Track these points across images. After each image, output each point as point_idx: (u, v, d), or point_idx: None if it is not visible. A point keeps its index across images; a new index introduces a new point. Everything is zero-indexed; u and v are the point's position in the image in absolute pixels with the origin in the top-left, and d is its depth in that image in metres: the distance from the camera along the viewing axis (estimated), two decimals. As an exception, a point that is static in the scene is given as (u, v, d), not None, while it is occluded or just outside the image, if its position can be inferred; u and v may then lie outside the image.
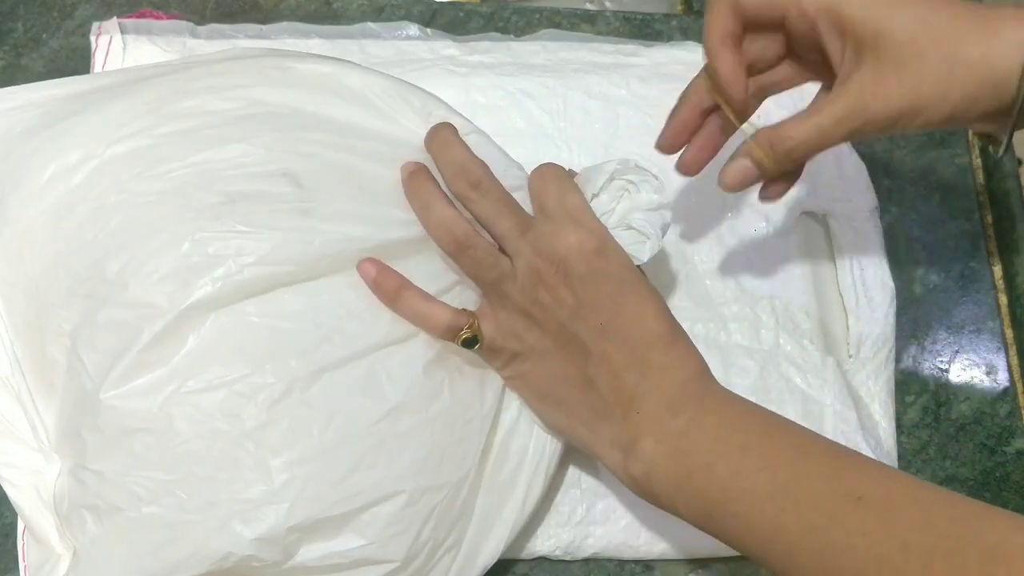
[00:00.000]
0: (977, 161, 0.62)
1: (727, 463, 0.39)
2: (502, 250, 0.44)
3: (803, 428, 0.41)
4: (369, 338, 0.42)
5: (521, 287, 0.43)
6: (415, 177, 0.44)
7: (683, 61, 0.60)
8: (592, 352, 0.42)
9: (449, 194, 0.44)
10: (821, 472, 0.38)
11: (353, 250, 0.43)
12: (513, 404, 0.46)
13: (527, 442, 0.45)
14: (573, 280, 0.42)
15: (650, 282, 0.45)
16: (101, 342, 0.40)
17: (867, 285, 0.55)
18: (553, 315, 0.43)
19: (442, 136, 0.45)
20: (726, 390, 0.43)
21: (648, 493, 0.42)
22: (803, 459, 0.39)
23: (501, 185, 0.44)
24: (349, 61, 0.50)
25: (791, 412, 0.51)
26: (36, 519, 0.43)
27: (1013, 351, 0.57)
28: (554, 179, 0.45)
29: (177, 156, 0.43)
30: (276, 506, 0.39)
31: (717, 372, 0.52)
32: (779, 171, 0.44)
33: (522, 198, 0.46)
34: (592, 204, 0.45)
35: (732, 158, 0.44)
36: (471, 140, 0.46)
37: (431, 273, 0.44)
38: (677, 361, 0.43)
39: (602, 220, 0.44)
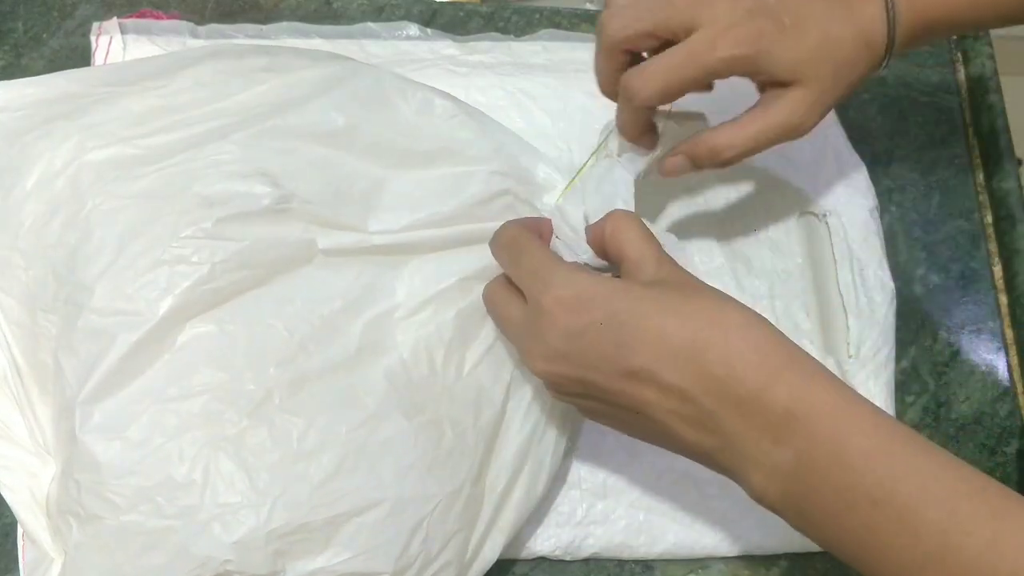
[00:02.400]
0: (977, 161, 0.62)
1: (856, 518, 0.34)
2: None
3: (943, 461, 0.34)
4: (342, 348, 0.42)
5: (543, 374, 0.40)
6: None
7: (683, 61, 0.60)
8: (640, 407, 0.38)
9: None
10: (976, 543, 0.32)
11: (330, 252, 0.43)
12: (517, 415, 0.45)
13: (527, 447, 0.45)
14: (573, 357, 0.38)
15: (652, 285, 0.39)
16: (80, 348, 0.40)
17: (867, 285, 0.55)
18: (581, 392, 0.39)
19: None
20: (827, 384, 0.36)
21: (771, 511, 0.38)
22: (951, 521, 0.32)
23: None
24: (344, 56, 0.50)
25: (791, 412, 0.51)
26: (31, 522, 0.43)
27: (1013, 351, 0.57)
28: (503, 250, 0.43)
29: (155, 159, 0.43)
30: (255, 509, 0.38)
31: (717, 372, 0.52)
32: (711, 169, 0.47)
33: (508, 205, 0.46)
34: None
35: (674, 151, 0.47)
36: (456, 121, 0.46)
37: (416, 280, 0.44)
38: (738, 360, 0.36)
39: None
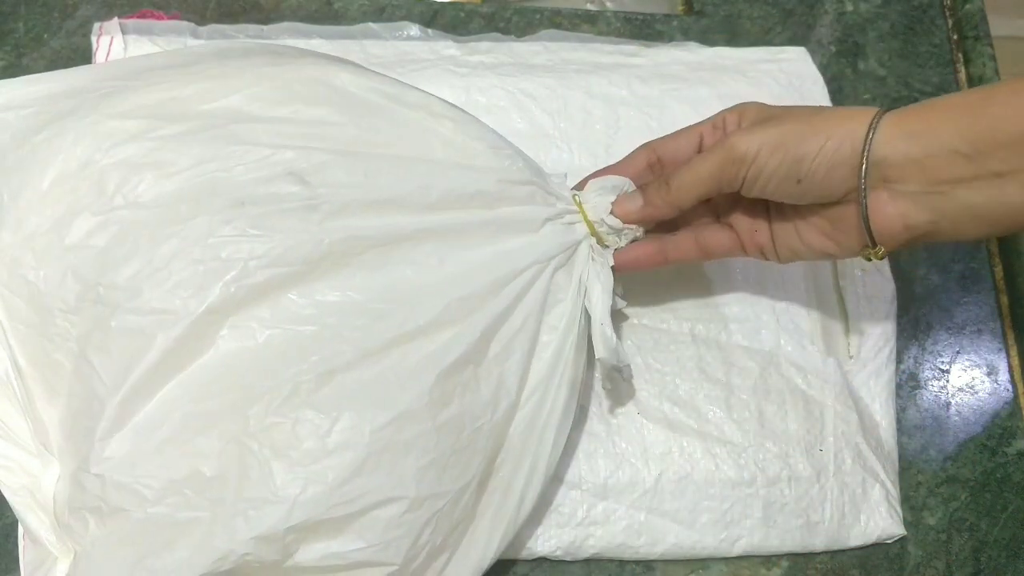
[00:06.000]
0: (978, 162, 0.62)
1: None
2: None
3: None
4: (382, 334, 0.42)
5: None
6: None
7: (684, 61, 0.60)
8: None
9: None
10: None
11: (363, 245, 0.43)
12: (527, 407, 0.45)
13: (526, 444, 0.45)
14: None
15: None
16: (115, 347, 0.40)
17: (868, 286, 0.55)
18: None
19: None
20: None
21: None
22: None
23: None
24: (346, 59, 0.50)
25: (792, 413, 0.51)
26: (31, 522, 0.43)
27: (1014, 352, 0.57)
28: None
29: (181, 160, 0.42)
30: (276, 506, 0.39)
31: (717, 372, 0.52)
32: (666, 213, 0.46)
33: (529, 193, 0.46)
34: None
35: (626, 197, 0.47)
36: (458, 120, 0.46)
37: (458, 271, 0.44)
38: None
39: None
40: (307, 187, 0.42)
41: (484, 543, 0.44)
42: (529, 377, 0.45)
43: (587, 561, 0.49)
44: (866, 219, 0.43)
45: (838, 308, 0.55)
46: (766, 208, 0.47)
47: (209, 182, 0.42)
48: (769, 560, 0.50)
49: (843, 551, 0.51)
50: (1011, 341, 0.57)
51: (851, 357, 0.54)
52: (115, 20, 0.56)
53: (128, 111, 0.44)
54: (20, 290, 0.43)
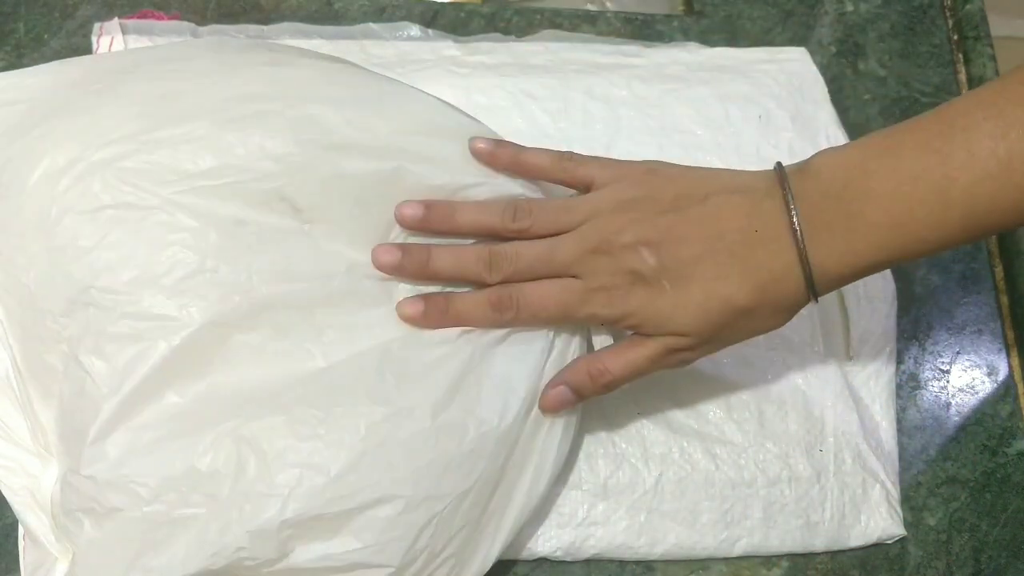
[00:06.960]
0: (978, 162, 0.62)
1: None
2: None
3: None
4: (379, 334, 0.42)
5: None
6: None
7: (684, 62, 0.60)
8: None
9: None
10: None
11: (360, 271, 0.43)
12: (534, 410, 0.45)
13: (532, 446, 0.45)
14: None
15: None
16: (111, 352, 0.40)
17: (868, 286, 0.55)
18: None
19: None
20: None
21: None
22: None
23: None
24: (343, 59, 0.50)
25: (792, 413, 0.51)
26: (31, 522, 0.43)
27: (1014, 352, 0.57)
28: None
29: (176, 167, 0.42)
30: (271, 499, 0.39)
31: (717, 373, 0.52)
32: (596, 396, 0.46)
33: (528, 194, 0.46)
34: None
35: (553, 382, 0.45)
36: (462, 131, 0.46)
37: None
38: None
39: None
40: (299, 212, 0.42)
41: (486, 548, 0.44)
42: (536, 377, 0.45)
43: (587, 561, 0.49)
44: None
45: (838, 308, 0.55)
46: None
47: (204, 192, 0.42)
48: (769, 560, 0.50)
49: (843, 551, 0.51)
50: (1011, 341, 0.57)
51: (851, 357, 0.54)
52: (115, 20, 0.56)
53: (121, 111, 0.44)
54: (14, 291, 0.43)
